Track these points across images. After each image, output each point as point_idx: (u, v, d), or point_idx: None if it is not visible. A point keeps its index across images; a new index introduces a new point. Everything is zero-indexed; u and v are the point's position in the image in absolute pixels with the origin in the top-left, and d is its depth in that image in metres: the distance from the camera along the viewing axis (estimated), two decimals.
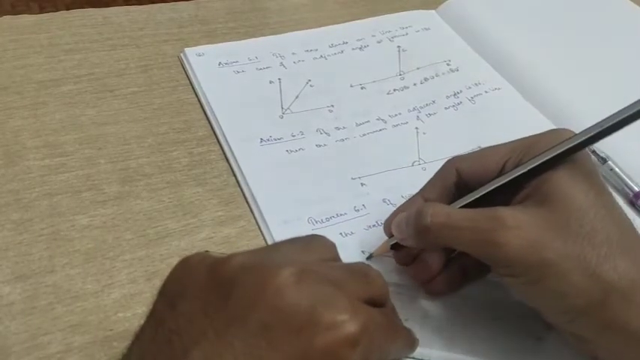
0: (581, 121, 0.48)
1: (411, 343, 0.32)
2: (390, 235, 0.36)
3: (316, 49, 0.54)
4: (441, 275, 0.35)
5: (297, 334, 0.24)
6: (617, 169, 0.44)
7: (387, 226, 0.36)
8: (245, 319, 0.24)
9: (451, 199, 0.35)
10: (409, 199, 0.37)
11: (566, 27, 0.59)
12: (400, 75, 0.52)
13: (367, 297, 0.27)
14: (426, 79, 0.52)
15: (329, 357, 0.24)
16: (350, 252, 0.38)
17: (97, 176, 0.41)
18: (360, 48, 0.55)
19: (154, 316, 0.26)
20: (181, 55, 0.52)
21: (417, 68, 0.53)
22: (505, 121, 0.49)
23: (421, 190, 0.37)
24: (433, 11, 0.60)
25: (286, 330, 0.24)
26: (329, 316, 0.24)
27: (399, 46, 0.55)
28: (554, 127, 0.48)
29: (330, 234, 0.37)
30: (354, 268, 0.29)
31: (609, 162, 0.44)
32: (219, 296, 0.25)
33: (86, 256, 0.36)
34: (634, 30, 0.60)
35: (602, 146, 0.45)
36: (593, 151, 0.45)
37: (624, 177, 0.44)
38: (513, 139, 0.47)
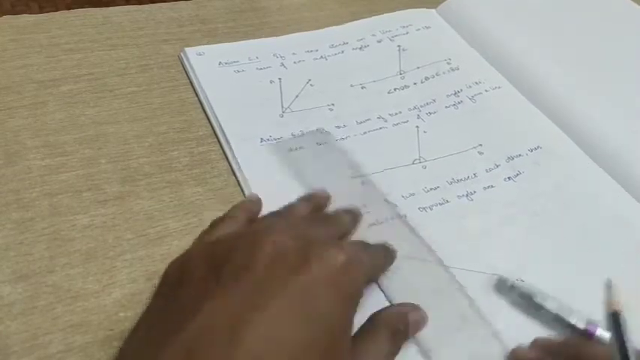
0: (581, 121, 0.49)
1: (389, 252, 0.36)
2: None
3: (316, 50, 0.54)
4: None
5: (295, 273, 0.26)
6: (554, 312, 0.35)
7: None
8: (241, 280, 0.26)
9: None
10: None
11: (566, 26, 0.59)
12: (400, 74, 0.52)
13: (338, 235, 0.35)
14: (426, 78, 0.52)
15: (331, 286, 0.26)
16: None
17: (98, 176, 0.41)
18: (361, 48, 0.55)
19: (150, 314, 0.27)
20: (181, 54, 0.52)
21: (418, 67, 0.53)
22: (505, 119, 0.49)
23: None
24: (433, 10, 0.60)
25: (285, 271, 0.26)
26: (319, 252, 0.27)
27: (399, 46, 0.55)
28: (554, 126, 0.48)
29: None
30: (319, 216, 0.36)
31: (547, 302, 0.35)
32: (215, 275, 0.26)
33: (87, 255, 0.36)
34: (634, 30, 0.60)
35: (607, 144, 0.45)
36: (522, 293, 0.35)
37: (564, 318, 0.34)
38: (514, 137, 0.47)
